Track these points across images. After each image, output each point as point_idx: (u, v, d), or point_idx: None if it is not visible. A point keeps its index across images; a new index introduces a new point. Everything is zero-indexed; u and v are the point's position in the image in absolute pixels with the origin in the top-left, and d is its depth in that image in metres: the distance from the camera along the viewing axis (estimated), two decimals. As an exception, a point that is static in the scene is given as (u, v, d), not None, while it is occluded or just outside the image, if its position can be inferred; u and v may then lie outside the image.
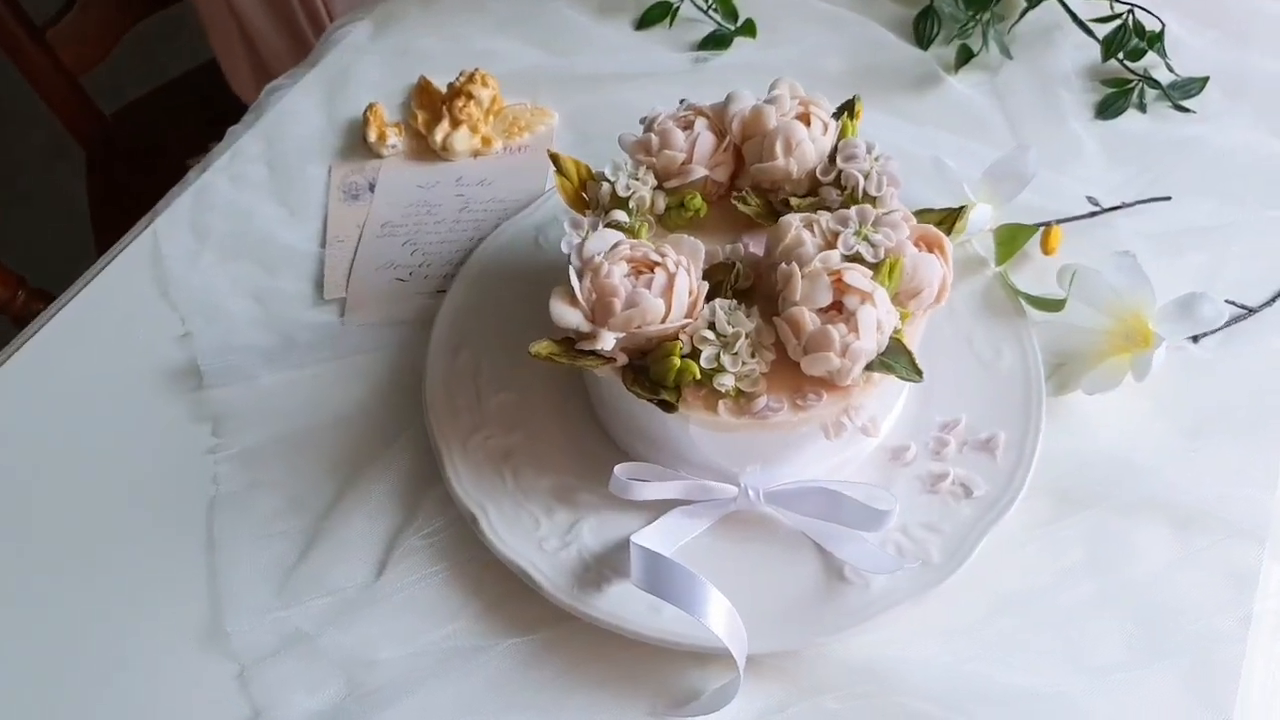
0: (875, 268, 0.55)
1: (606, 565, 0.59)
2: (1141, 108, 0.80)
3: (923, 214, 0.61)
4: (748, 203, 0.62)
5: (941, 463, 0.62)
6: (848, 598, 0.57)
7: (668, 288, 0.55)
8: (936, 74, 0.83)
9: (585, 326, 0.56)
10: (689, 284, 0.56)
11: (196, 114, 1.32)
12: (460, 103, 0.80)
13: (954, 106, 0.81)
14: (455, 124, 0.80)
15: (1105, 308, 0.65)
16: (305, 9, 1.19)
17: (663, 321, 0.55)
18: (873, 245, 0.56)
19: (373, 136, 0.81)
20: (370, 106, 0.83)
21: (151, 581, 0.63)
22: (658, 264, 0.56)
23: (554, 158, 0.65)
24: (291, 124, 0.85)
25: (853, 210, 0.57)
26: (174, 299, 0.75)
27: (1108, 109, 0.80)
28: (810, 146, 0.61)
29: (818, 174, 0.62)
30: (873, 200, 0.60)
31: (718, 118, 0.64)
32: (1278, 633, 0.58)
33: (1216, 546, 0.60)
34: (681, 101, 0.68)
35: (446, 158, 0.81)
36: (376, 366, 0.70)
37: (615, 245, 0.57)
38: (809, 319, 0.53)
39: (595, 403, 0.65)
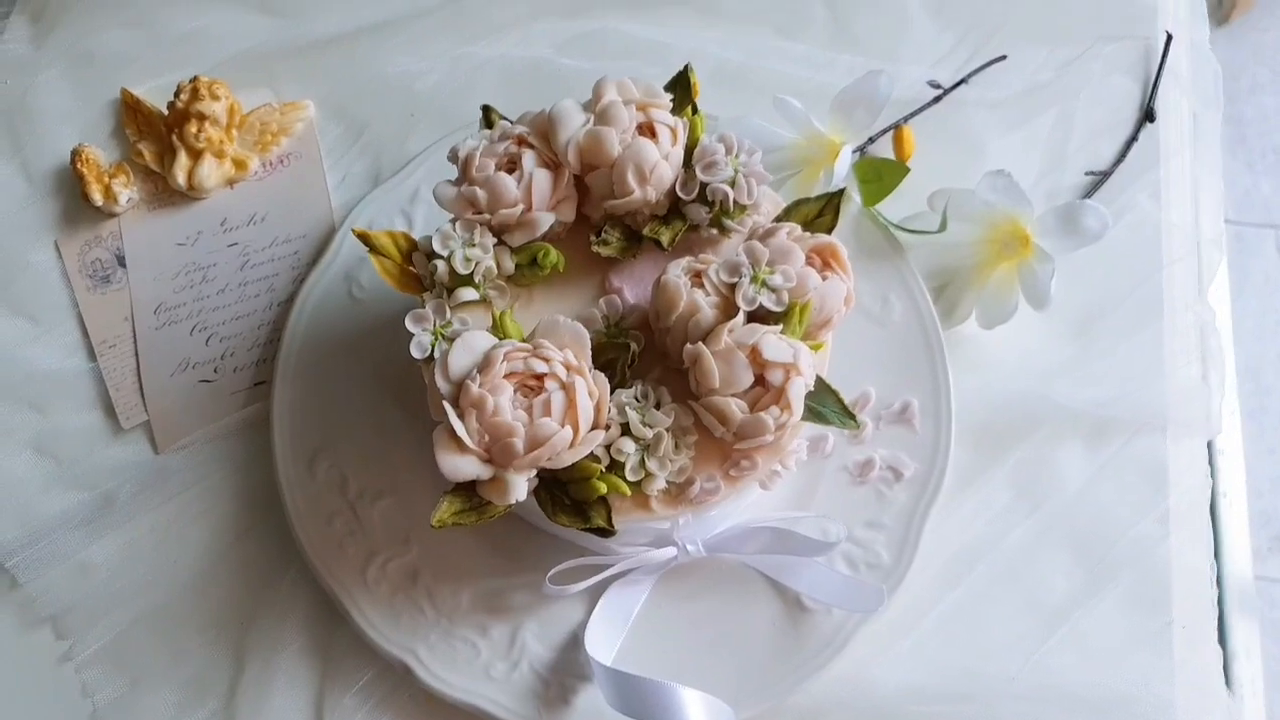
0: (783, 317, 0.49)
1: (565, 672, 0.56)
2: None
3: (798, 207, 0.55)
4: (608, 243, 0.54)
5: (863, 447, 0.59)
6: (816, 627, 0.56)
7: (568, 406, 0.48)
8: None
9: (486, 473, 0.48)
10: (588, 387, 0.48)
11: None
12: (192, 128, 0.64)
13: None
14: (194, 155, 0.65)
15: (979, 220, 0.62)
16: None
17: (572, 446, 0.48)
18: (773, 290, 0.49)
19: (97, 196, 0.64)
20: (77, 153, 0.65)
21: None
22: (546, 374, 0.48)
23: (364, 238, 0.53)
24: (-29, 197, 0.66)
25: (741, 254, 0.50)
26: (-77, 483, 0.61)
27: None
28: (666, 167, 0.52)
29: (678, 191, 0.53)
30: (743, 209, 0.53)
31: (545, 144, 0.53)
32: (1194, 515, 0.61)
33: (1125, 448, 0.61)
34: (485, 118, 0.56)
35: (197, 196, 0.66)
36: (220, 497, 0.60)
37: (488, 357, 0.49)
38: (735, 408, 0.48)
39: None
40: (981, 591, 0.58)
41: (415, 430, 0.60)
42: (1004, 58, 0.69)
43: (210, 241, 0.65)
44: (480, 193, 0.52)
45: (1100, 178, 0.66)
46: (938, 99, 0.67)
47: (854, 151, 0.63)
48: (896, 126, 0.66)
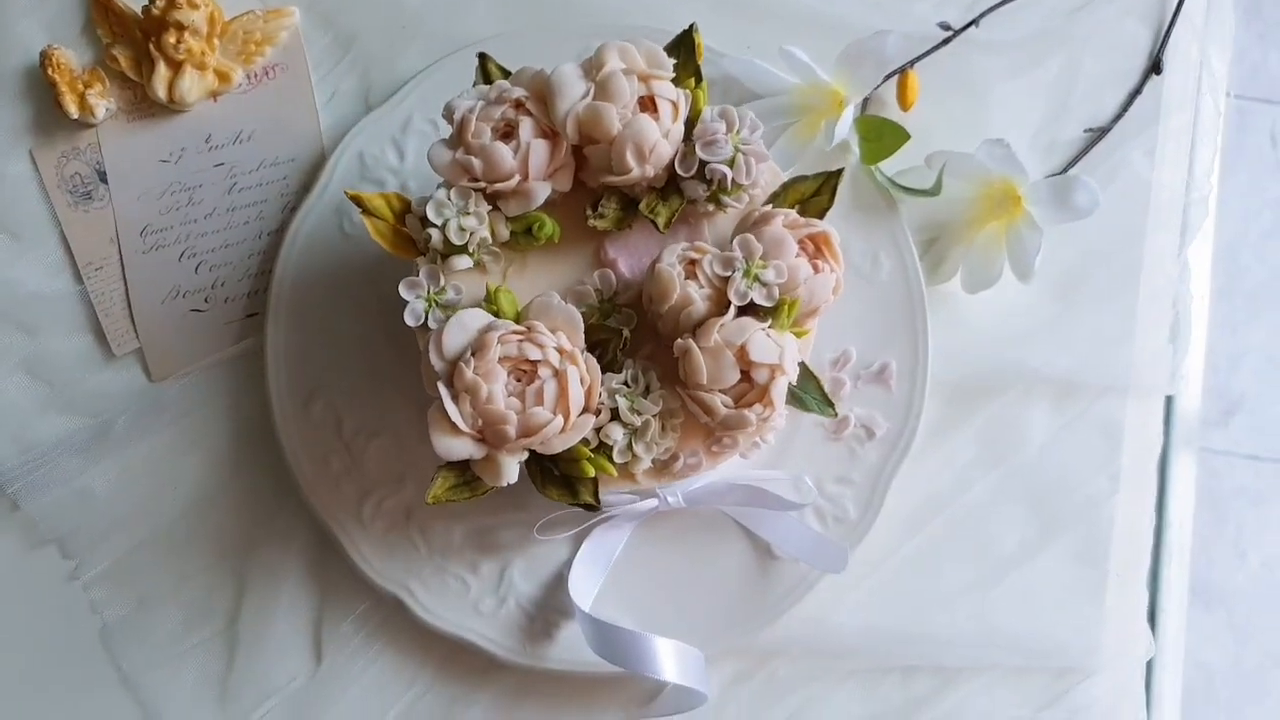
0: (772, 312, 0.50)
1: (549, 608, 0.60)
2: None
3: (794, 185, 0.54)
4: (604, 216, 0.53)
5: (840, 404, 0.61)
6: (782, 575, 0.60)
7: (560, 395, 0.49)
8: None
9: (480, 453, 0.50)
10: (579, 374, 0.50)
11: None
12: (170, 38, 0.61)
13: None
14: (174, 66, 0.62)
15: (974, 178, 0.62)
16: None
17: (562, 433, 0.50)
18: (765, 285, 0.50)
19: (73, 109, 0.62)
20: (46, 55, 0.62)
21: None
22: (539, 361, 0.49)
23: (356, 200, 0.52)
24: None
25: (735, 247, 0.50)
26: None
27: None
28: (665, 146, 0.51)
29: (677, 167, 0.53)
30: (741, 188, 0.53)
31: (542, 110, 0.52)
32: (1142, 471, 0.65)
33: (1088, 410, 0.64)
34: (482, 69, 0.55)
35: (179, 109, 0.64)
36: (216, 428, 0.62)
37: (482, 340, 0.50)
38: (720, 402, 0.49)
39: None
40: (939, 541, 0.62)
41: (408, 370, 0.60)
42: (1019, -6, 0.67)
43: (195, 160, 0.63)
44: (476, 161, 0.51)
45: (1097, 135, 0.66)
46: (946, 41, 0.65)
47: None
48: (902, 71, 0.64)
